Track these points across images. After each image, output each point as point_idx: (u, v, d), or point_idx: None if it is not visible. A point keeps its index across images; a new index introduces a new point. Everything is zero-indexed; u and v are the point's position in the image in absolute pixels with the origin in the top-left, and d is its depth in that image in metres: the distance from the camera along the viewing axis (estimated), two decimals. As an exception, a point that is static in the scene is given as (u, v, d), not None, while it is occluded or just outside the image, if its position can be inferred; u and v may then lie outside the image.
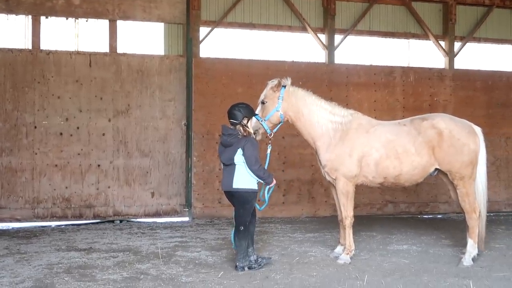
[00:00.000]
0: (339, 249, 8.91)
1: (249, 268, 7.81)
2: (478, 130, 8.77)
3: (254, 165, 7.81)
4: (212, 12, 13.84)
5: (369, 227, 12.08)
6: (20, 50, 12.68)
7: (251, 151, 7.80)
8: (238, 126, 7.95)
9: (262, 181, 8.00)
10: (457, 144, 8.44)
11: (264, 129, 8.54)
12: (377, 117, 14.26)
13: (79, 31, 13.18)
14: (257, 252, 9.03)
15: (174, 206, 13.49)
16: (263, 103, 8.65)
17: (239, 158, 7.84)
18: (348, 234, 8.57)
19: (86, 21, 13.17)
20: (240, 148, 7.82)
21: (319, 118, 8.64)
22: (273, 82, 8.70)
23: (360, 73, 14.63)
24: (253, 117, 8.33)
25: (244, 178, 7.86)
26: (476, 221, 8.47)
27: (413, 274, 7.56)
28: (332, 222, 12.66)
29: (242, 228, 7.85)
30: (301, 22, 14.36)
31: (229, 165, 7.94)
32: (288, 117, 8.69)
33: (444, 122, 8.58)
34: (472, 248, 8.42)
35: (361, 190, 14.32)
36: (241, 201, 7.89)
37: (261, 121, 8.50)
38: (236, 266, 7.84)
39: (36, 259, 8.62)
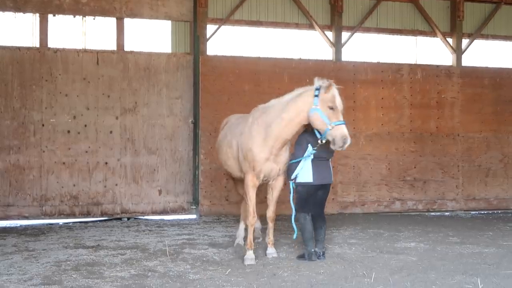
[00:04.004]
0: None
1: (323, 256, 8.32)
2: None
3: None
4: (219, 10, 13.84)
5: (376, 224, 12.06)
6: (28, 48, 12.73)
7: None
8: None
9: None
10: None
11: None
12: (384, 114, 14.53)
13: (87, 29, 13.22)
14: (261, 250, 9.04)
15: (182, 203, 13.51)
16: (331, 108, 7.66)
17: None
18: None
19: (94, 19, 13.21)
20: None
21: None
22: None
23: (367, 71, 14.59)
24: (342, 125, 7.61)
25: None
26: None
27: (421, 271, 7.54)
28: (339, 219, 12.68)
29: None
30: (308, 20, 14.34)
31: (325, 160, 8.27)
32: None
33: None
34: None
35: (368, 187, 14.44)
36: (328, 193, 8.49)
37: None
38: (317, 254, 8.26)
39: (44, 256, 8.65)
